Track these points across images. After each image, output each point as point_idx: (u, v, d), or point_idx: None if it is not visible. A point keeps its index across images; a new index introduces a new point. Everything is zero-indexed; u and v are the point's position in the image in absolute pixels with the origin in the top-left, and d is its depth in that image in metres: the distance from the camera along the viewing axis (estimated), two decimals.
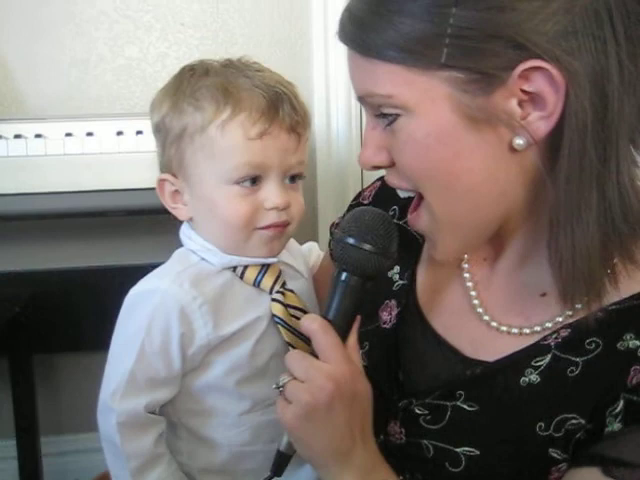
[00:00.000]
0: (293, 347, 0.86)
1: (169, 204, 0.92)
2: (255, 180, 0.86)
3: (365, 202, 1.00)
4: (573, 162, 0.70)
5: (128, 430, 0.85)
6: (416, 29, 0.69)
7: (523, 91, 0.70)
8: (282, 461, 0.81)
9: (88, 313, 1.67)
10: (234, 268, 0.90)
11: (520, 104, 0.70)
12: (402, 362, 0.86)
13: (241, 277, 0.90)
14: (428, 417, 0.81)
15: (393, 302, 0.90)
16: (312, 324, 0.78)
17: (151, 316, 0.85)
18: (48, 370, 1.90)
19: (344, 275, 0.79)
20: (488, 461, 0.77)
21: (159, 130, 0.90)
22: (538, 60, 0.68)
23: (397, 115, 0.73)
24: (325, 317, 0.79)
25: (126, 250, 1.65)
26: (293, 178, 0.89)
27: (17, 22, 1.78)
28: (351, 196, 1.83)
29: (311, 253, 1.04)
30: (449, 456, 0.78)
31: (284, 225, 0.89)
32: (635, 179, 0.72)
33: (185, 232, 0.93)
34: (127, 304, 0.88)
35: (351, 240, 0.78)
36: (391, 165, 0.77)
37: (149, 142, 1.44)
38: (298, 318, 0.87)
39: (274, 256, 0.91)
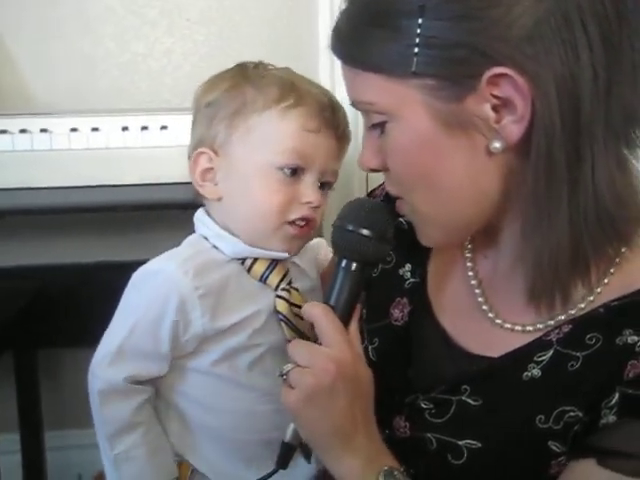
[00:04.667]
0: None
1: (197, 181, 0.93)
2: (296, 171, 0.89)
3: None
4: (540, 165, 0.72)
5: (107, 397, 0.88)
6: (388, 40, 0.72)
7: (494, 96, 0.71)
8: (287, 453, 0.81)
9: (93, 308, 1.66)
10: (243, 261, 0.91)
11: (494, 108, 0.72)
12: (412, 359, 0.88)
13: (248, 270, 0.91)
14: (433, 411, 0.83)
15: (405, 300, 0.91)
16: (313, 309, 0.80)
17: (150, 296, 0.87)
18: (52, 365, 1.90)
19: (344, 262, 0.81)
20: (489, 454, 0.78)
21: (210, 106, 0.91)
22: (502, 67, 0.69)
23: (384, 121, 0.76)
24: (327, 303, 0.81)
25: (131, 245, 1.65)
26: (323, 185, 0.92)
27: (24, 17, 1.79)
28: (356, 195, 1.84)
29: (320, 249, 1.05)
30: (451, 449, 0.80)
31: (310, 222, 0.91)
32: (615, 182, 0.73)
33: (200, 218, 0.94)
34: (132, 280, 0.90)
35: (350, 226, 0.80)
36: (387, 169, 0.80)
37: (154, 138, 1.47)
38: (301, 317, 0.88)
39: (292, 255, 0.92)
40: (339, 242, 0.81)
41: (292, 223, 0.90)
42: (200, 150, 0.92)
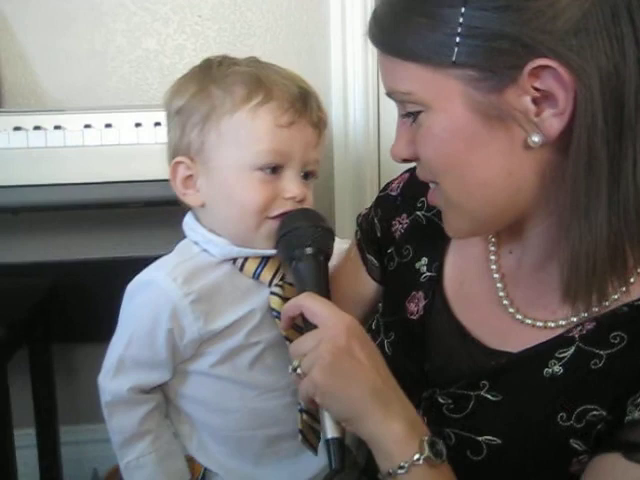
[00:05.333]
0: (290, 340, 0.87)
1: (180, 190, 0.92)
2: (276, 169, 0.88)
3: (393, 194, 1.01)
4: (581, 160, 0.70)
5: (114, 408, 0.90)
6: (429, 29, 0.72)
7: (535, 88, 0.70)
8: (336, 449, 0.78)
9: (107, 304, 1.66)
10: (234, 260, 0.91)
11: (534, 101, 0.71)
12: (428, 353, 0.87)
13: (241, 269, 0.91)
14: (451, 406, 0.82)
15: (420, 293, 0.91)
16: (294, 300, 0.82)
17: (143, 307, 0.89)
18: (67, 360, 1.91)
19: (293, 264, 0.86)
20: (509, 450, 0.78)
21: (180, 113, 0.90)
22: (545, 59, 0.69)
23: (419, 111, 0.76)
24: None
25: (145, 241, 1.66)
26: (307, 176, 0.92)
27: (36, 14, 1.79)
28: (368, 189, 1.85)
29: None
30: (471, 444, 0.79)
31: None
32: None
33: (188, 223, 0.95)
34: (127, 292, 0.91)
35: (281, 231, 0.88)
36: (418, 158, 0.80)
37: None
38: None
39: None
40: (284, 250, 0.87)
41: (274, 218, 0.90)
42: (177, 160, 0.91)
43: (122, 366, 0.90)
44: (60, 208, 1.52)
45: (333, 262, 1.03)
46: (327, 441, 0.79)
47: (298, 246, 0.86)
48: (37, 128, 1.44)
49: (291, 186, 0.89)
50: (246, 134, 0.87)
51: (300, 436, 0.89)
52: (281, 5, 1.85)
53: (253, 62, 0.93)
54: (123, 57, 1.83)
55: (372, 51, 0.81)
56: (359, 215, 1.07)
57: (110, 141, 1.44)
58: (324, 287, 0.85)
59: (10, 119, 1.46)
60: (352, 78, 1.85)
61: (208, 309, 0.88)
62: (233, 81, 0.88)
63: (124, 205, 1.51)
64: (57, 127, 1.44)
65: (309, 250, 0.86)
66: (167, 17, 1.83)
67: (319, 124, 0.92)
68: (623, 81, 0.69)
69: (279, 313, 0.89)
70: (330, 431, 0.78)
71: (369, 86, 1.83)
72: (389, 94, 0.79)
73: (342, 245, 1.07)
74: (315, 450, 0.90)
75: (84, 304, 1.76)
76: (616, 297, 0.77)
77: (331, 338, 0.76)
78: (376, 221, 1.02)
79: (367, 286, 1.03)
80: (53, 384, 1.86)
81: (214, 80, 0.89)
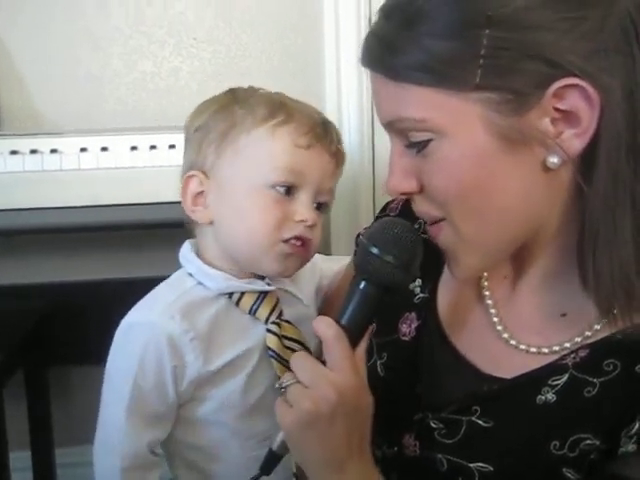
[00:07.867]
0: None
1: (189, 205, 0.89)
2: (290, 190, 0.86)
3: (392, 214, 0.99)
4: (609, 177, 0.70)
5: (132, 474, 0.85)
6: (448, 50, 0.69)
7: (556, 109, 0.70)
8: (273, 460, 0.79)
9: (103, 326, 1.66)
10: (230, 295, 0.88)
11: (552, 122, 0.70)
12: (420, 375, 0.86)
13: (237, 304, 0.88)
14: (443, 431, 0.81)
15: (413, 315, 0.89)
16: (327, 330, 0.76)
17: (143, 350, 0.84)
18: (63, 382, 1.91)
19: (362, 284, 0.77)
20: (501, 478, 0.76)
21: (199, 130, 0.89)
22: (573, 78, 0.68)
23: (428, 140, 0.72)
24: (338, 322, 0.77)
25: (140, 263, 1.66)
26: (319, 206, 0.89)
27: (33, 38, 1.81)
28: (364, 209, 1.86)
29: (314, 266, 1.00)
30: (463, 471, 0.78)
31: (306, 242, 0.87)
32: None
33: (185, 254, 0.92)
34: (118, 337, 0.86)
35: (375, 250, 0.76)
36: (419, 191, 0.76)
37: (163, 157, 1.48)
38: (294, 350, 0.86)
39: (287, 276, 0.90)
40: (361, 264, 0.77)
41: (287, 242, 0.86)
42: (190, 173, 0.88)
43: (133, 421, 0.84)
44: (56, 231, 1.53)
45: (326, 281, 1.02)
46: (270, 450, 0.78)
47: (371, 277, 0.76)
48: (33, 152, 1.45)
49: (303, 209, 0.86)
50: (263, 151, 0.86)
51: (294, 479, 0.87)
52: (276, 27, 1.87)
53: (279, 93, 0.93)
54: (119, 80, 1.84)
55: (366, 72, 0.77)
56: (358, 234, 1.05)
57: (106, 164, 1.45)
58: (359, 329, 0.77)
59: (6, 142, 1.48)
60: (346, 99, 1.87)
61: (207, 348, 0.85)
62: (256, 102, 0.88)
63: (120, 228, 1.52)
64: (53, 151, 1.46)
65: (373, 290, 0.77)
66: (163, 40, 1.85)
67: (337, 155, 0.90)
68: (637, 98, 0.69)
69: (275, 352, 0.86)
70: (277, 446, 0.77)
71: (363, 107, 1.85)
72: (391, 123, 0.75)
73: (341, 262, 1.05)
74: None
75: (80, 326, 1.76)
76: (606, 320, 0.76)
77: (318, 399, 0.73)
78: None
79: None
80: (49, 406, 1.86)
81: (237, 100, 0.89)
